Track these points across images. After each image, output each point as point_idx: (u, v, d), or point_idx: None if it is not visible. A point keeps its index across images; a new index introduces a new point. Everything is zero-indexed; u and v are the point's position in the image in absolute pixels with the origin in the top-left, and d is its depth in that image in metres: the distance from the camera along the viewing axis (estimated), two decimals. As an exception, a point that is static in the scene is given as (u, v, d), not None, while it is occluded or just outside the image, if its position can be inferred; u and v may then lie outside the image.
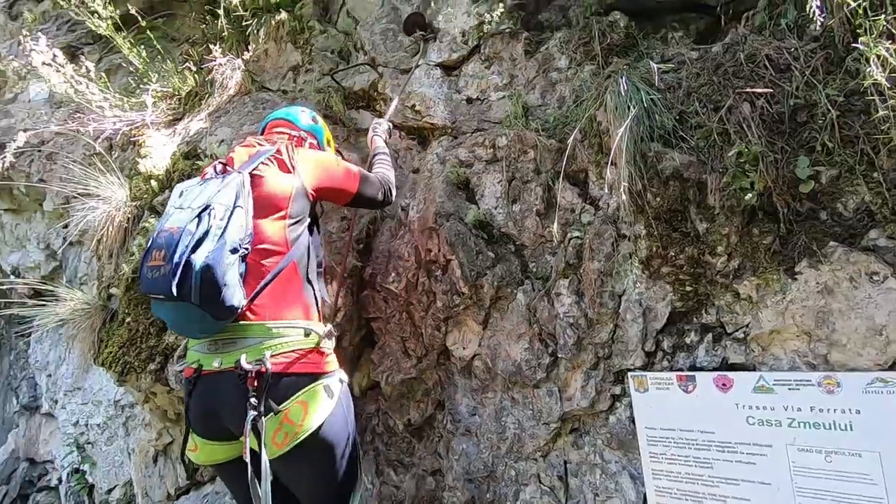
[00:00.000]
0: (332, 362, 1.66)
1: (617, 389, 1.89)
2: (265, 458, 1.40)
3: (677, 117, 1.77)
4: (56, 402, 4.33)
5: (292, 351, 1.53)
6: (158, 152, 2.93)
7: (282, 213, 1.62)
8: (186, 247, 1.38)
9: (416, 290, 2.22)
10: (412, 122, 2.60)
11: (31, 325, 3.48)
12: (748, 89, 1.62)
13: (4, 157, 2.57)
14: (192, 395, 1.55)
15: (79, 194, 2.85)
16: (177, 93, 3.28)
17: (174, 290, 1.35)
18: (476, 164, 2.28)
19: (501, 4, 2.39)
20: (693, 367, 1.75)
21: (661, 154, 1.74)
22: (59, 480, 4.27)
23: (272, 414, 1.44)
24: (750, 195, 1.52)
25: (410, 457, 2.35)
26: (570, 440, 1.99)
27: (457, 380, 2.25)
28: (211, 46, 3.17)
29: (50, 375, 4.43)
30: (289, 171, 1.69)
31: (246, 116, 2.85)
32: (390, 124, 2.43)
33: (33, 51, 2.76)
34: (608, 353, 1.89)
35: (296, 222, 1.66)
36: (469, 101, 2.52)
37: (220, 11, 3.25)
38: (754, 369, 1.65)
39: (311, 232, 1.74)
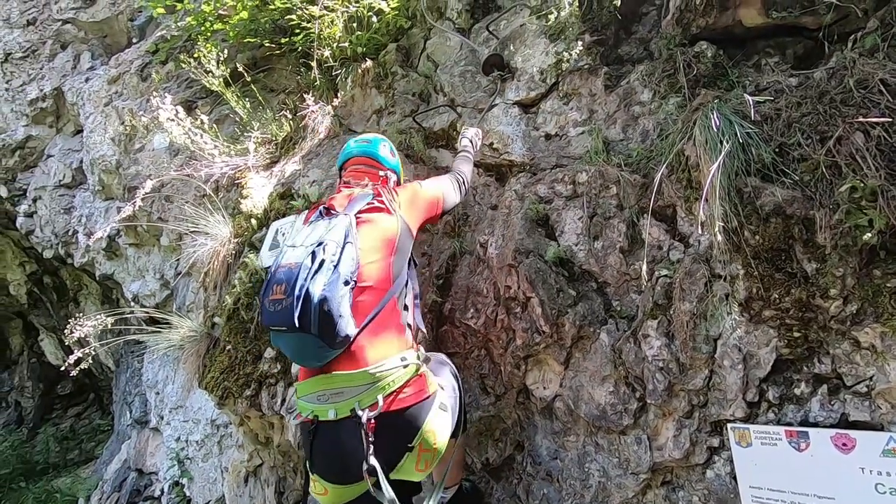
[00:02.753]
0: (431, 381, 1.69)
1: (715, 441, 1.74)
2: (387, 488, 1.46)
3: (776, 150, 1.66)
4: (162, 418, 4.75)
5: (399, 388, 1.58)
6: (258, 193, 3.21)
7: (386, 253, 1.71)
8: (305, 280, 1.46)
9: (494, 326, 2.22)
10: (490, 159, 2.65)
11: (147, 347, 3.89)
12: (862, 118, 1.49)
13: (135, 201, 2.96)
14: (314, 444, 1.59)
15: (190, 231, 3.18)
16: (274, 138, 3.61)
17: (296, 322, 1.43)
18: (556, 200, 2.27)
19: (580, 42, 2.40)
20: (805, 423, 1.58)
21: (759, 189, 1.63)
22: (162, 492, 4.63)
23: (407, 453, 1.54)
24: (869, 234, 1.38)
25: (489, 498, 2.30)
26: (662, 493, 1.86)
27: (537, 420, 2.20)
28: (304, 95, 3.47)
29: (158, 393, 4.89)
30: (391, 213, 1.80)
31: (335, 158, 3.05)
32: (479, 130, 2.53)
33: (160, 108, 3.18)
34: (703, 401, 1.76)
35: (398, 259, 1.75)
36: (547, 137, 2.53)
37: (313, 63, 3.55)
38: (882, 429, 1.46)
39: (409, 266, 1.83)
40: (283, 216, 3.00)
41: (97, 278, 5.36)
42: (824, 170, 1.53)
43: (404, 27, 3.65)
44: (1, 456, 7.31)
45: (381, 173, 2.02)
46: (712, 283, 1.75)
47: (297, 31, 3.63)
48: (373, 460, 1.46)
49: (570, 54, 2.42)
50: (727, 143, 1.62)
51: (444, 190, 2.05)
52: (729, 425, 1.68)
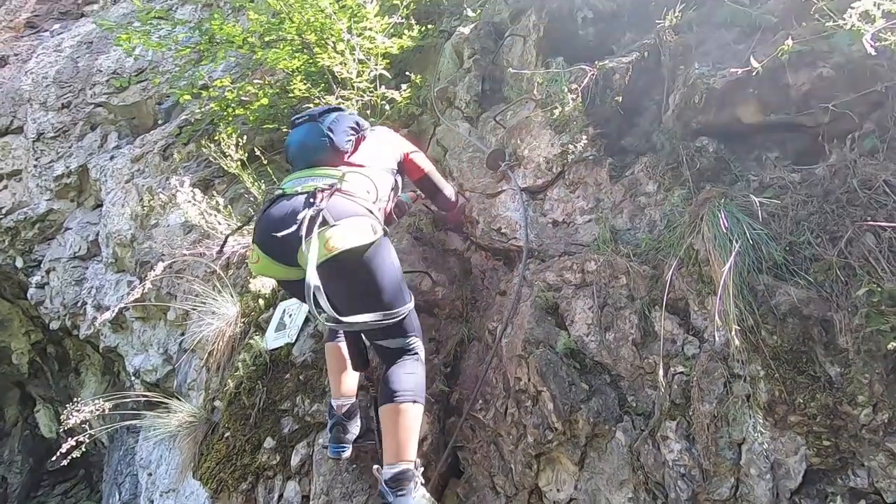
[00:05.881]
0: (375, 228, 1.91)
1: (747, 560, 1.59)
2: (311, 266, 1.66)
3: (787, 248, 1.66)
4: (152, 502, 4.49)
5: (360, 197, 1.94)
6: (267, 272, 3.23)
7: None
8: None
9: (504, 420, 2.12)
10: (498, 244, 2.67)
11: (142, 425, 3.75)
12: (871, 221, 1.49)
13: (144, 284, 3.00)
14: (265, 212, 1.94)
15: (197, 311, 3.17)
16: (286, 217, 3.68)
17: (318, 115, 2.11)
18: (565, 288, 2.25)
19: (585, 135, 2.49)
20: (846, 544, 1.44)
21: (773, 288, 1.61)
22: (146, 587, 4.27)
23: (326, 227, 1.77)
24: (894, 344, 1.33)
25: None
26: None
27: (551, 526, 2.04)
28: (318, 177, 3.58)
29: (151, 474, 4.65)
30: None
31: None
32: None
33: (178, 190, 3.30)
34: (732, 514, 1.63)
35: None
36: (555, 223, 2.56)
37: (328, 147, 3.70)
38: (933, 556, 1.33)
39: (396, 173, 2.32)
40: (291, 297, 3.00)
41: (100, 350, 5.30)
42: (837, 271, 1.52)
43: (416, 114, 3.85)
44: (-21, 540, 6.88)
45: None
46: (732, 384, 1.68)
47: (314, 117, 3.82)
48: (312, 211, 1.77)
49: (576, 146, 2.50)
50: (736, 242, 1.63)
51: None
52: (762, 543, 1.55)
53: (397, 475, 1.78)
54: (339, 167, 2.04)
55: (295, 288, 1.93)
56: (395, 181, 2.29)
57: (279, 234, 1.77)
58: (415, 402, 1.86)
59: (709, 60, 2.32)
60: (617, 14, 2.93)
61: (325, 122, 2.07)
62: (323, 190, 1.87)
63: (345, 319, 1.71)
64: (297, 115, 2.24)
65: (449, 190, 2.66)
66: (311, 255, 1.68)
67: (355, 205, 1.90)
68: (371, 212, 1.94)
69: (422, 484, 1.88)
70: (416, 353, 1.98)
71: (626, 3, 2.91)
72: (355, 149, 2.14)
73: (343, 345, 2.22)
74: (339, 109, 2.22)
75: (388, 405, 1.85)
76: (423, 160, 2.46)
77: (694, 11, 2.51)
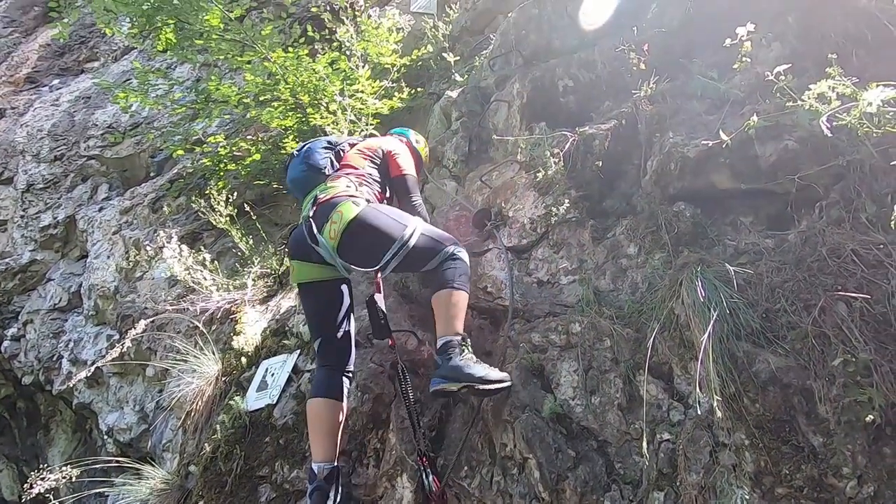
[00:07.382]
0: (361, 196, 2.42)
1: None
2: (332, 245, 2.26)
3: (763, 315, 1.69)
4: (116, 575, 4.18)
5: (341, 195, 2.36)
6: (251, 329, 3.19)
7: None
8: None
9: (490, 489, 2.06)
10: (484, 303, 2.69)
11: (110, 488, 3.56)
12: (841, 291, 1.54)
13: (124, 342, 2.93)
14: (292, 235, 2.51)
15: (177, 369, 3.10)
16: (273, 272, 3.69)
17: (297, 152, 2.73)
18: (550, 349, 2.25)
19: (567, 198, 2.57)
20: None
21: (752, 355, 1.63)
22: None
23: (326, 221, 2.26)
24: (871, 416, 1.35)
25: None
26: None
27: None
28: (306, 232, 3.61)
29: (117, 543, 4.37)
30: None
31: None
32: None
33: (165, 245, 3.30)
34: None
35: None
36: (540, 283, 2.59)
37: (317, 203, 3.76)
38: None
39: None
40: (275, 354, 2.95)
41: (73, 406, 5.09)
42: (813, 340, 1.54)
43: (404, 172, 3.95)
44: None
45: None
46: (718, 453, 1.66)
47: (305, 173, 3.90)
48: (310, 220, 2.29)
49: (559, 208, 2.57)
50: (714, 310, 1.66)
51: None
52: None
53: (445, 344, 2.10)
54: (323, 183, 2.51)
55: (326, 289, 2.41)
56: (380, 173, 2.64)
57: (306, 242, 2.30)
58: (460, 289, 2.21)
59: (682, 130, 2.45)
60: (596, 83, 3.09)
61: (301, 154, 2.64)
62: (314, 205, 2.37)
63: (377, 267, 2.25)
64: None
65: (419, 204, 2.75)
66: (332, 235, 2.23)
67: (336, 197, 2.35)
68: (351, 196, 2.37)
69: (467, 350, 2.13)
70: (455, 256, 2.26)
71: (604, 73, 3.08)
72: (342, 159, 2.63)
73: (325, 401, 2.24)
74: (316, 140, 2.75)
75: (440, 291, 2.20)
76: (405, 162, 2.69)
77: (667, 83, 2.67)
